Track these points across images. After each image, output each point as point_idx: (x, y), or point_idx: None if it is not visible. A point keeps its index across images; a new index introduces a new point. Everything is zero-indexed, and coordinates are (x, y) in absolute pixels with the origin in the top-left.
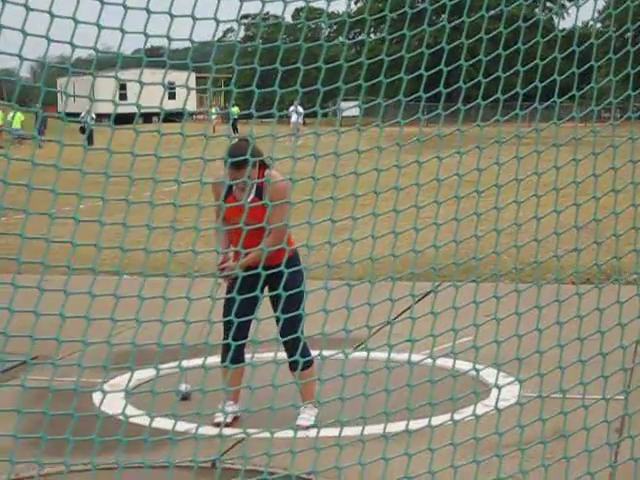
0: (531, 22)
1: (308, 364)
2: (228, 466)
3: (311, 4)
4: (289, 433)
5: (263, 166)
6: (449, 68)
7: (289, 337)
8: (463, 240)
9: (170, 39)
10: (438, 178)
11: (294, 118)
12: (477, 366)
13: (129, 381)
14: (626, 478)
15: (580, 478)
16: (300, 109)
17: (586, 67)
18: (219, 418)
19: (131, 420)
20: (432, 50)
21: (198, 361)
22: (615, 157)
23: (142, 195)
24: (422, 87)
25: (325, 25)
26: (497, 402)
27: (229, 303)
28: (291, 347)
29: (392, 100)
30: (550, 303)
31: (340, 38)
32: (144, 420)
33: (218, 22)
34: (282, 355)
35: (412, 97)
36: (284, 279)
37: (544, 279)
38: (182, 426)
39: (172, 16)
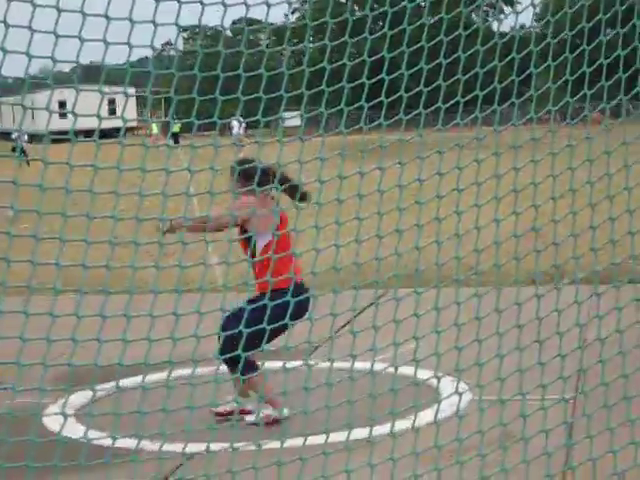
0: (471, 30)
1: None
2: None
3: (250, 16)
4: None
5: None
6: (391, 77)
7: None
8: (425, 246)
9: (107, 42)
10: (380, 190)
11: (235, 130)
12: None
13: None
14: None
15: None
16: (241, 120)
17: (526, 73)
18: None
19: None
20: (373, 58)
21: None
22: (554, 164)
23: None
24: (364, 96)
25: (265, 37)
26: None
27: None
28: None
29: (334, 109)
30: (510, 306)
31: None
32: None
33: (156, 26)
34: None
35: (354, 106)
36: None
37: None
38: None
39: (109, 18)
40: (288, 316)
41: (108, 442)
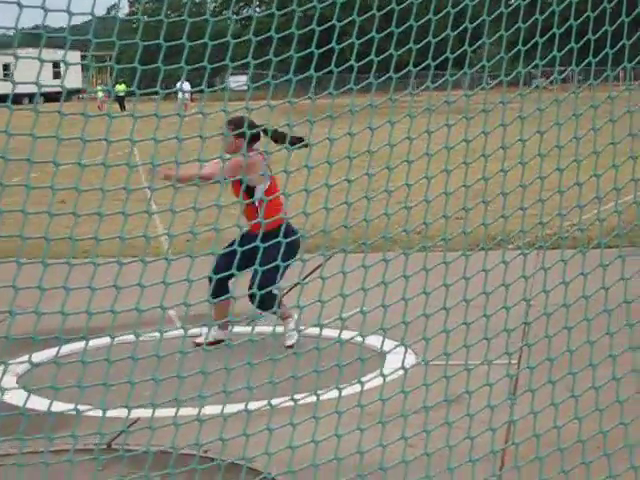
0: None
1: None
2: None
3: None
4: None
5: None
6: (341, 45)
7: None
8: (354, 202)
9: (46, 9)
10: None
11: (181, 94)
12: (363, 334)
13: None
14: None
15: (462, 442)
16: (187, 85)
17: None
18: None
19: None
20: (323, 27)
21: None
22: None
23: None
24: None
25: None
26: (382, 369)
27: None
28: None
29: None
30: (437, 264)
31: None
32: (41, 404)
33: None
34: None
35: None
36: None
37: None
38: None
39: None
40: (280, 255)
41: (52, 408)
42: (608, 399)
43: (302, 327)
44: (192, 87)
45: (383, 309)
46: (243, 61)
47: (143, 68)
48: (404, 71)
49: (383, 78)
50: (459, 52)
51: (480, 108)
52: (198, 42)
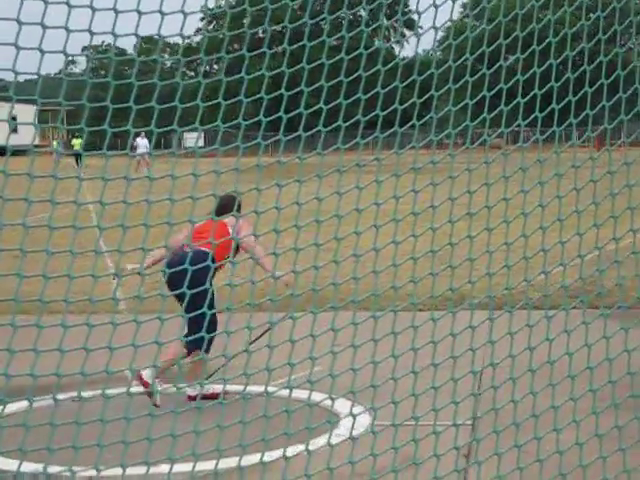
0: (371, 50)
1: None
2: None
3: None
4: None
5: None
6: (289, 93)
7: None
8: (323, 266)
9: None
10: (277, 207)
11: (140, 149)
12: (332, 396)
13: None
14: None
15: None
16: (145, 142)
17: (427, 96)
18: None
19: None
20: (273, 73)
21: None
22: (453, 186)
23: None
24: (262, 112)
25: (167, 60)
26: (351, 431)
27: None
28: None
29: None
30: (405, 329)
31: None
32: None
33: (67, 55)
34: None
35: (251, 121)
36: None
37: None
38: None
39: (18, 48)
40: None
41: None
42: (572, 463)
43: (273, 388)
44: (149, 142)
45: (352, 371)
46: (201, 127)
47: (93, 129)
48: (372, 136)
49: (352, 141)
50: (425, 119)
51: (447, 174)
52: (148, 105)
